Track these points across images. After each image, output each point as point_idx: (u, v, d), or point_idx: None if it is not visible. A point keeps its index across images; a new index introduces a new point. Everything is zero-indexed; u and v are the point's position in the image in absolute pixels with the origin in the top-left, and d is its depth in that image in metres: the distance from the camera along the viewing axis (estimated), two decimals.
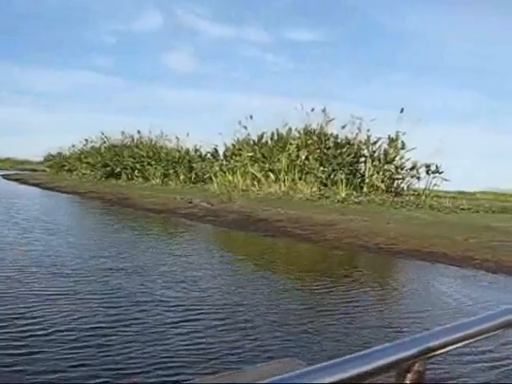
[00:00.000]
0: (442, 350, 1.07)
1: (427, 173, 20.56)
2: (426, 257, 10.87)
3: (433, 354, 1.04)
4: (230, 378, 2.53)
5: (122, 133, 34.99)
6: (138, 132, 33.91)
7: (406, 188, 21.04)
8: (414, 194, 20.57)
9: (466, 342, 1.12)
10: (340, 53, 49.97)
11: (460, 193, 25.81)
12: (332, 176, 21.21)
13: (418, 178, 20.73)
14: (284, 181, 22.18)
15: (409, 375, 1.01)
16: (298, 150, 21.97)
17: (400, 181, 21.01)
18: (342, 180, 20.60)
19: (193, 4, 51.73)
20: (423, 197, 20.26)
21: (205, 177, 26.88)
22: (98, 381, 3.83)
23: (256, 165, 23.37)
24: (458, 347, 1.10)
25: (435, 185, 20.95)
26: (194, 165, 28.65)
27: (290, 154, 21.87)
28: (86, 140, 38.91)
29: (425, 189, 20.81)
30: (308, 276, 8.68)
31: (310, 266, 10.04)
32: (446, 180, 20.70)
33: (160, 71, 54.36)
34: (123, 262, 8.43)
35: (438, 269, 9.86)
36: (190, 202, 20.07)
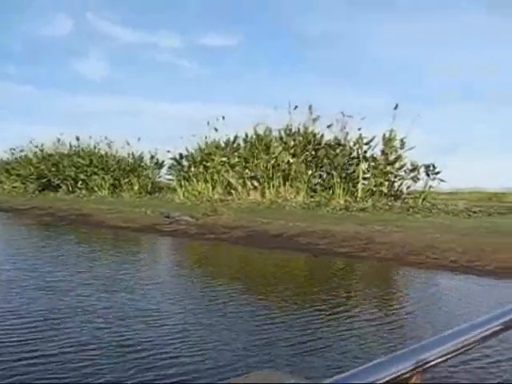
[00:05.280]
0: (439, 360, 1.03)
1: (427, 174, 18.76)
2: None
3: (429, 365, 1.01)
4: None
5: (58, 140, 31.41)
6: (77, 139, 30.45)
7: (405, 191, 19.12)
8: (413, 197, 18.69)
9: (464, 349, 1.09)
10: (253, 56, 48.20)
11: (452, 193, 24.31)
12: (325, 180, 19.06)
13: (418, 180, 18.88)
14: (268, 188, 19.78)
15: None
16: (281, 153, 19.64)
17: (399, 183, 19.09)
18: (339, 184, 18.46)
19: (104, 9, 48.39)
20: (420, 199, 18.46)
21: (170, 186, 24.13)
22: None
23: (231, 171, 20.84)
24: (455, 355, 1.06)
25: (431, 186, 19.21)
26: (149, 173, 25.79)
27: (276, 158, 19.48)
28: (13, 149, 34.92)
29: (423, 191, 18.98)
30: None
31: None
32: (443, 181, 19.00)
33: (72, 78, 50.62)
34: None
35: None
36: (168, 217, 17.28)
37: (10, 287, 6.82)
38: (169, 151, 24.31)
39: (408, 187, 19.15)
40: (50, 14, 51.28)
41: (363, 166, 19.01)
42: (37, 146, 32.86)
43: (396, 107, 18.59)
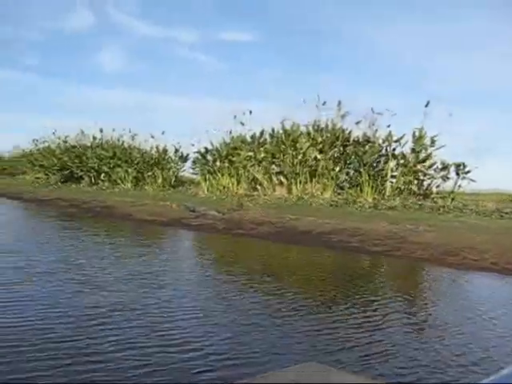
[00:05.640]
0: None
1: (457, 173, 18.37)
2: None
3: None
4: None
5: (82, 132, 31.40)
6: (101, 131, 30.37)
7: (434, 190, 18.74)
8: (442, 197, 18.32)
9: None
10: (272, 52, 47.85)
11: (472, 194, 23.82)
12: (354, 178, 18.77)
13: (447, 179, 18.50)
14: (295, 184, 19.53)
15: None
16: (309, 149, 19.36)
17: (429, 182, 18.72)
18: (367, 182, 18.16)
19: (124, 2, 48.34)
20: (449, 199, 18.09)
21: (194, 181, 23.96)
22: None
23: (257, 166, 20.60)
24: None
25: (460, 186, 18.81)
26: (173, 167, 25.65)
27: (303, 154, 19.21)
28: (36, 140, 34.97)
29: (452, 190, 18.60)
30: None
31: None
32: (473, 181, 18.61)
33: (90, 70, 50.67)
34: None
35: None
36: (193, 211, 17.11)
37: (48, 280, 6.64)
38: (193, 145, 24.13)
39: (437, 186, 18.78)
40: (71, 7, 51.43)
41: (392, 163, 18.68)
42: (59, 138, 32.90)
43: (427, 105, 18.23)
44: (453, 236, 12.24)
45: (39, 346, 4.21)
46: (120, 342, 4.40)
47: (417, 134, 18.44)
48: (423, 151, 18.28)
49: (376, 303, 6.50)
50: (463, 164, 18.36)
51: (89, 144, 30.62)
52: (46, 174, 32.53)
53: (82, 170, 29.60)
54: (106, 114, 52.36)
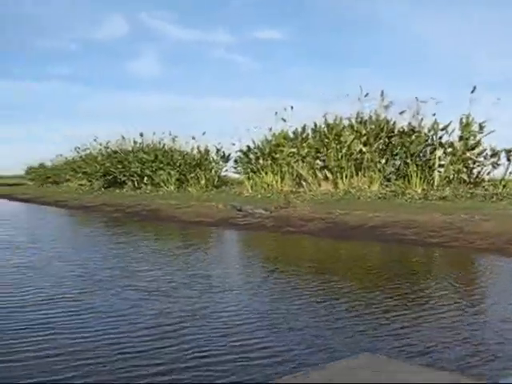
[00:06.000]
0: None
1: (508, 159, 17.83)
2: None
3: None
4: (318, 375, 2.52)
5: (122, 137, 31.62)
6: (141, 135, 30.56)
7: (485, 177, 18.22)
8: (493, 184, 17.78)
9: None
10: (305, 49, 47.57)
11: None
12: (401, 169, 18.39)
13: (498, 166, 17.97)
14: (341, 178, 19.23)
15: None
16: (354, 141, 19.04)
17: (479, 170, 18.21)
18: (415, 173, 17.76)
19: (157, 8, 48.83)
20: (501, 186, 17.53)
21: (236, 180, 23.87)
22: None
23: (301, 162, 20.36)
24: None
25: (511, 173, 18.24)
26: (215, 167, 25.62)
27: (348, 147, 18.91)
28: (78, 148, 35.43)
29: (503, 177, 18.04)
30: None
31: None
32: None
33: (126, 77, 51.29)
34: None
35: None
36: (240, 210, 16.96)
37: (107, 288, 6.53)
38: (233, 144, 24.01)
39: (488, 173, 18.27)
40: (104, 15, 51.98)
41: (439, 152, 18.23)
42: (101, 144, 33.25)
43: (473, 90, 17.72)
44: (511, 224, 11.84)
45: (115, 362, 4.07)
46: (198, 350, 4.24)
47: (464, 120, 17.94)
48: (472, 138, 17.77)
49: (452, 296, 6.25)
50: None
51: (130, 148, 30.86)
52: (90, 181, 32.92)
53: (124, 175, 29.80)
54: (143, 119, 53.06)
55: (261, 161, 21.99)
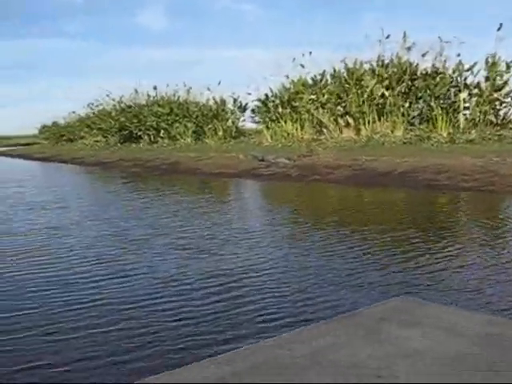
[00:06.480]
0: None
1: None
2: None
3: None
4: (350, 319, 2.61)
5: (135, 91, 31.13)
6: (155, 88, 30.07)
7: None
8: None
9: None
10: None
11: None
12: (425, 112, 17.93)
13: None
14: (363, 124, 18.81)
15: None
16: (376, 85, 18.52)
17: (506, 111, 17.68)
18: (440, 116, 17.30)
19: None
20: None
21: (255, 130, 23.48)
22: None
23: (321, 109, 19.92)
24: None
25: None
26: (233, 117, 25.22)
27: (370, 91, 18.42)
28: (91, 104, 34.98)
29: None
30: None
31: None
32: None
33: (134, 31, 50.54)
34: None
35: None
36: (262, 160, 16.69)
37: (147, 248, 6.28)
38: (249, 93, 23.52)
39: None
40: None
41: (464, 94, 17.69)
42: (114, 99, 32.80)
43: (500, 28, 17.04)
44: None
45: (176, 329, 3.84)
46: (266, 312, 4.00)
47: (490, 60, 17.33)
48: (498, 78, 17.20)
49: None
50: None
51: (144, 102, 30.40)
52: (105, 137, 32.64)
53: (140, 130, 29.45)
54: (153, 73, 52.28)
55: (280, 109, 21.52)
